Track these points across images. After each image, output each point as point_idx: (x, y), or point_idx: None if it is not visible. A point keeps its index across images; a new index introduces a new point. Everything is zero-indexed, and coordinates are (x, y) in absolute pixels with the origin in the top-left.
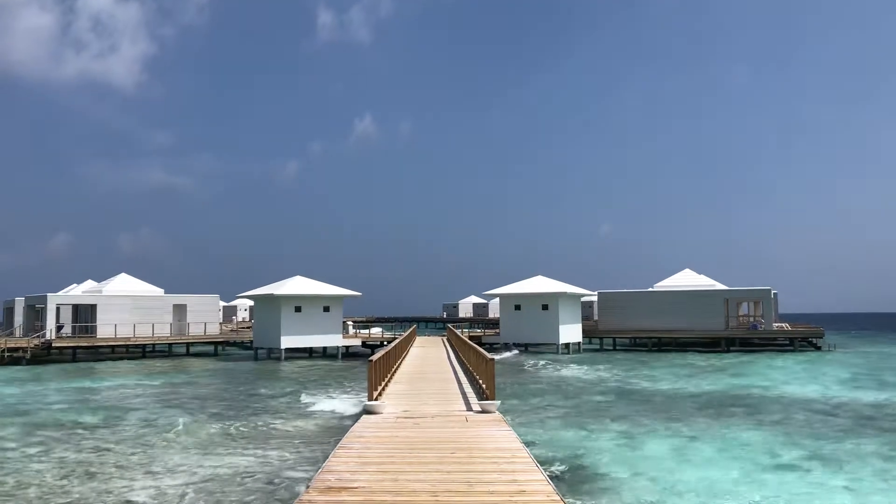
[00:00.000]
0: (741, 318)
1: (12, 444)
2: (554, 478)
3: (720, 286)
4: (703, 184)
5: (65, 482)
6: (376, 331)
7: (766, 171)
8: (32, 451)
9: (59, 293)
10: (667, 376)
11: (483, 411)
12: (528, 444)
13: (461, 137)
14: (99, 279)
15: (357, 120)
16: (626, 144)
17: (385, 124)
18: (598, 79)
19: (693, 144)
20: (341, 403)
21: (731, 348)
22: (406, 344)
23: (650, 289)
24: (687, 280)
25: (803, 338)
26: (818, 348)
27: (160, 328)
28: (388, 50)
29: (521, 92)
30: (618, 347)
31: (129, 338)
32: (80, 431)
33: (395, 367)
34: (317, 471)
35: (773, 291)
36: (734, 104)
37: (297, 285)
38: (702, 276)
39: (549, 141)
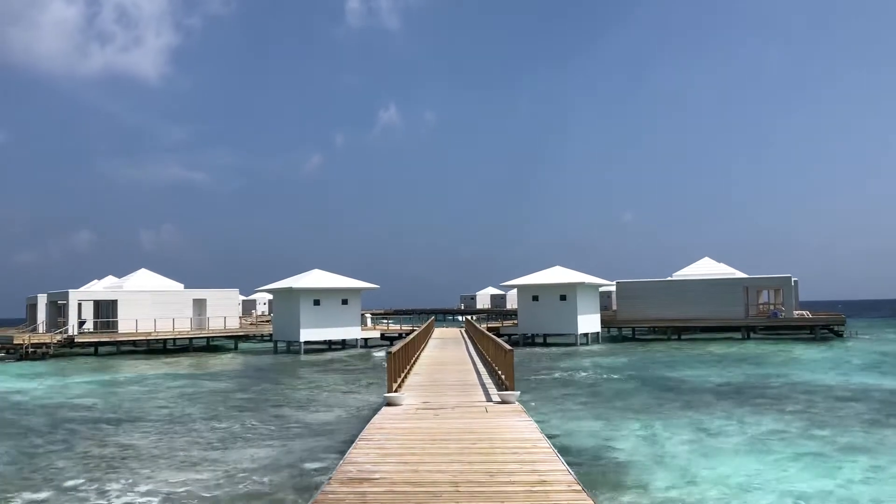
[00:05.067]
0: (761, 307)
1: (37, 438)
2: (575, 468)
3: (740, 274)
4: (726, 170)
5: (89, 475)
6: (394, 323)
7: (789, 159)
8: (57, 445)
9: (81, 289)
10: (687, 365)
11: (503, 402)
12: (548, 434)
13: (485, 128)
14: (120, 275)
15: (382, 110)
16: (651, 133)
17: (410, 114)
18: (624, 67)
19: (718, 132)
20: (361, 395)
21: (752, 336)
22: (424, 336)
23: (669, 278)
24: (706, 268)
25: (824, 325)
26: (840, 335)
27: (180, 322)
28: (415, 37)
29: (547, 81)
30: (637, 337)
31: (150, 332)
32: (103, 426)
33: (413, 358)
34: (339, 462)
35: (793, 279)
36: (759, 92)
37: (316, 278)
38: (721, 264)
39: (574, 130)
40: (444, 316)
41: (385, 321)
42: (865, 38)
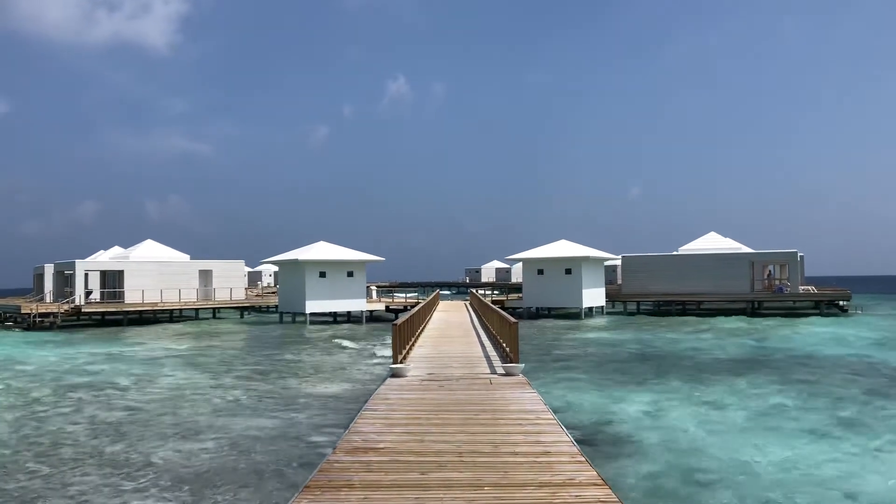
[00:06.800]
0: (773, 281)
1: (46, 406)
2: (578, 439)
3: (746, 249)
4: (734, 145)
5: (97, 442)
6: (399, 296)
7: (799, 132)
8: (66, 410)
9: (88, 259)
10: (691, 340)
11: (507, 374)
12: (551, 406)
13: (493, 100)
14: (126, 245)
15: (390, 81)
16: (660, 107)
17: (418, 86)
18: (633, 40)
19: (727, 107)
20: (366, 367)
21: (757, 311)
22: (429, 308)
23: (674, 252)
24: (712, 243)
25: (830, 300)
26: (845, 311)
27: (186, 293)
28: (424, 7)
29: (556, 56)
30: (641, 311)
31: (157, 303)
32: (110, 392)
33: (418, 331)
34: (344, 432)
35: (799, 254)
36: (769, 65)
37: (321, 250)
38: (727, 238)
39: (582, 104)
40: (449, 289)
41: (391, 294)
42: (883, 9)
